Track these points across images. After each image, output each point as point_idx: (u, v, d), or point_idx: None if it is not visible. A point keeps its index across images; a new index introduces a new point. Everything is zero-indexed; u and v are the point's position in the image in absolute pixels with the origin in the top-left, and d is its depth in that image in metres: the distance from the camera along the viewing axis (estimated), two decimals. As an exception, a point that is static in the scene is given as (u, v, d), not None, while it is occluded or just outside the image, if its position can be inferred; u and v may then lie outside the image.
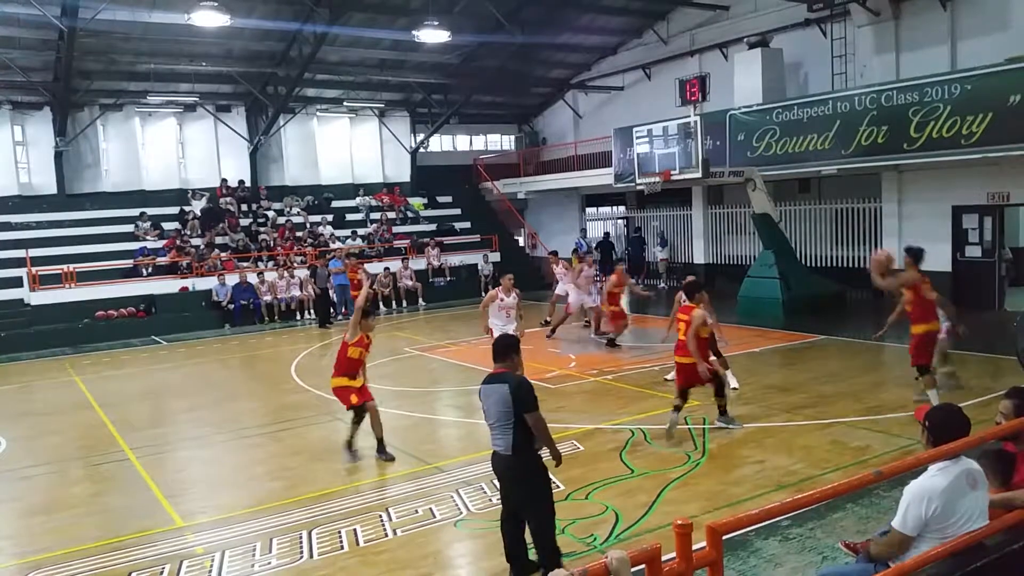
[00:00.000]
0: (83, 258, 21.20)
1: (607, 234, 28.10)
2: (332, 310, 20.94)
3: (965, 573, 3.50)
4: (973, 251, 16.58)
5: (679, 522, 3.03)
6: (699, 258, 23.14)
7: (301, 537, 6.56)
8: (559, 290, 16.78)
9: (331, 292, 20.92)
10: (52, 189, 23.65)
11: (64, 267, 20.50)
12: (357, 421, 8.73)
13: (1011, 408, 4.38)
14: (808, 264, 19.62)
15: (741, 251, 21.88)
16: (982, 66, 14.57)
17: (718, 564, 3.14)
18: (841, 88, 18.19)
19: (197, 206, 24.61)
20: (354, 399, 8.61)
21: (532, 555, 5.46)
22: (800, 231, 20.54)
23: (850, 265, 19.41)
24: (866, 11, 17.53)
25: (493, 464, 5.55)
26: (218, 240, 23.39)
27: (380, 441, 8.66)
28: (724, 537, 3.19)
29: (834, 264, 19.78)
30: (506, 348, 5.55)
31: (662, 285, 24.44)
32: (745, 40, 20.67)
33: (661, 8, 24.16)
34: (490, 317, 13.01)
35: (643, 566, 3.03)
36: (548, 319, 16.89)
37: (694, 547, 3.06)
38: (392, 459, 8.52)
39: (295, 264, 22.64)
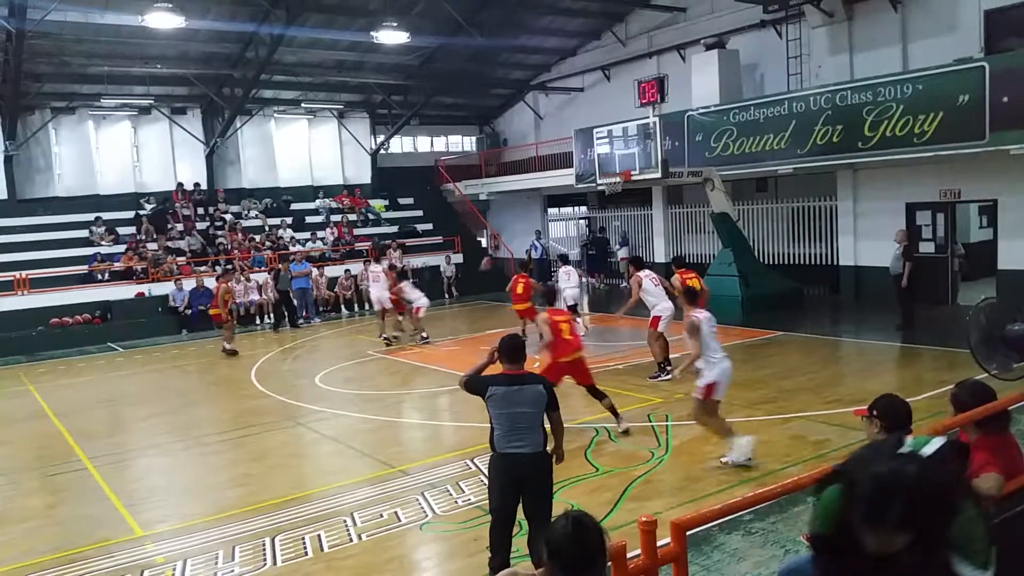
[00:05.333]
0: (36, 264, 20.75)
1: (603, 228, 27.01)
2: (294, 313, 20.85)
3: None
4: (927, 247, 16.91)
5: (643, 519, 3.05)
6: (660, 257, 23.32)
7: (264, 544, 6.48)
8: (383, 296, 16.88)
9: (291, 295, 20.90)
10: (2, 194, 23.05)
11: (16, 274, 20.05)
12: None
13: (951, 401, 4.44)
14: (766, 262, 19.88)
15: (701, 250, 22.11)
16: (932, 67, 14.90)
17: (682, 560, 3.17)
18: (796, 88, 18.47)
19: (147, 210, 24.22)
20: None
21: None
22: (758, 229, 20.81)
23: (807, 263, 19.72)
24: (820, 12, 17.83)
25: (514, 467, 5.28)
26: (174, 244, 23.04)
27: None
28: (688, 533, 3.21)
29: (791, 262, 20.07)
30: (522, 349, 5.55)
31: (624, 284, 24.58)
32: (702, 42, 20.88)
33: (619, 10, 24.32)
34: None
35: (608, 563, 3.05)
36: (395, 334, 16.90)
37: (658, 543, 3.08)
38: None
39: (253, 268, 22.39)
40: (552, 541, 2.79)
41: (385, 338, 16.54)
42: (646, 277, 11.99)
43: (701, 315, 7.83)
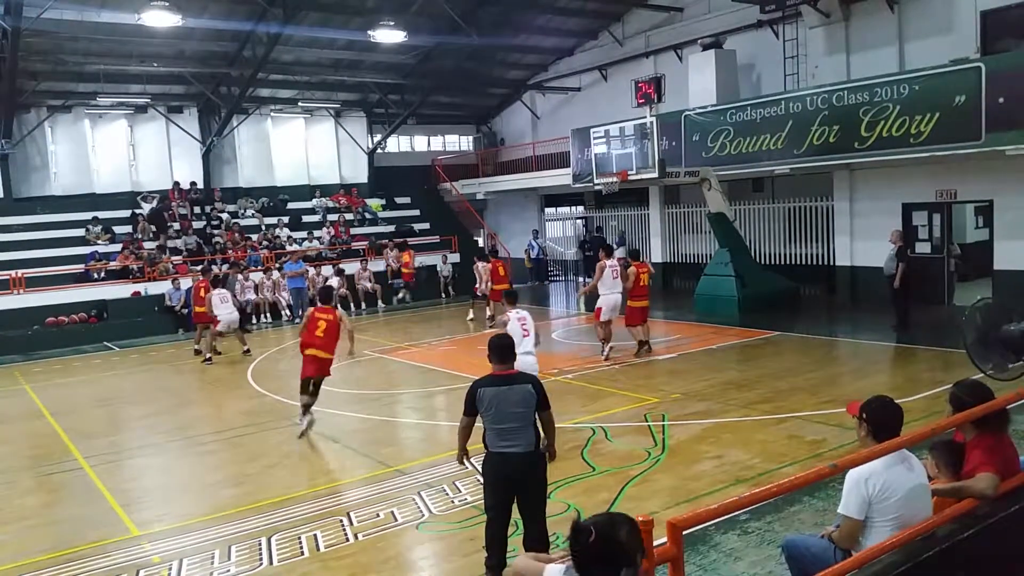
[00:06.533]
0: (32, 263, 20.70)
1: (600, 228, 26.98)
2: (289, 312, 20.99)
3: (917, 562, 3.58)
4: (923, 248, 16.94)
5: (640, 518, 3.05)
6: (656, 257, 23.33)
7: (260, 544, 6.47)
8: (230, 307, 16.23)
9: (285, 294, 20.96)
10: (-2, 193, 23.07)
11: (12, 273, 20.00)
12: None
13: (949, 400, 4.45)
14: (762, 262, 19.89)
15: (697, 249, 22.12)
16: (928, 67, 14.93)
17: (679, 559, 3.16)
18: (793, 89, 18.48)
19: (146, 209, 24.18)
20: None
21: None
22: (754, 229, 20.83)
23: (803, 262, 19.75)
24: (817, 12, 17.84)
25: (506, 466, 5.31)
26: (171, 243, 23.01)
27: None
28: (684, 532, 3.21)
29: (788, 262, 20.08)
30: (511, 348, 5.61)
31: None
32: (699, 42, 20.91)
33: (616, 10, 24.34)
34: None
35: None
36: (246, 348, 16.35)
37: (655, 543, 3.08)
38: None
39: (250, 267, 22.35)
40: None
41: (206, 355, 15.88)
42: (609, 267, 12.73)
43: (513, 315, 8.79)
